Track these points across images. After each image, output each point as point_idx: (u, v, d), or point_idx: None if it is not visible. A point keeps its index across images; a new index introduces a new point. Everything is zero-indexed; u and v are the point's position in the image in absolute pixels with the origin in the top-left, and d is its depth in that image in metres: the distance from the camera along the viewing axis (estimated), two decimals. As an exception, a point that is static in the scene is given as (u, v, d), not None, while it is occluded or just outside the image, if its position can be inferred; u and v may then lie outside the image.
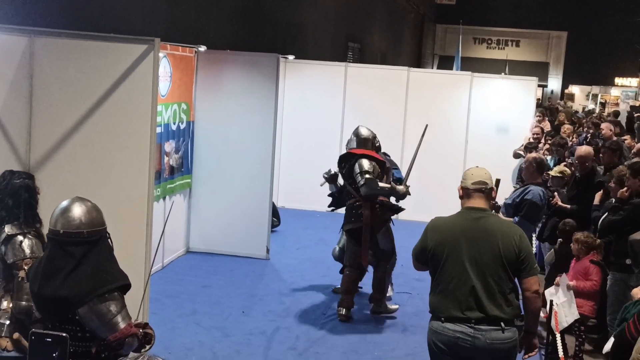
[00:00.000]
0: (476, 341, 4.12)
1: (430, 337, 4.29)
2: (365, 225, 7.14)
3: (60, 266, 3.49)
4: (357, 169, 7.10)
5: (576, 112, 23.63)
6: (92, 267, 3.51)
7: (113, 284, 3.54)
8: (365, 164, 7.11)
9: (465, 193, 4.37)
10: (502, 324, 4.13)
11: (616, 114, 16.45)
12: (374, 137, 7.45)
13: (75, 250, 3.51)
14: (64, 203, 3.62)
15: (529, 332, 4.34)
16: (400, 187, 7.35)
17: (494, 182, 4.50)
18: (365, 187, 7.02)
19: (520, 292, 4.29)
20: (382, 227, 7.30)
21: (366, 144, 7.33)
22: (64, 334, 2.05)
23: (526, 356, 4.42)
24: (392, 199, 7.51)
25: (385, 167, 7.36)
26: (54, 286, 3.46)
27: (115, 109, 5.44)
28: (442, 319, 4.21)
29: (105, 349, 3.54)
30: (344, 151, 7.75)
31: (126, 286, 3.64)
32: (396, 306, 7.51)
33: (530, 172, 6.91)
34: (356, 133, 7.40)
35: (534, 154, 7.46)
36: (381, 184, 7.14)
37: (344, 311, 7.22)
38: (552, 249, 7.24)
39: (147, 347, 3.73)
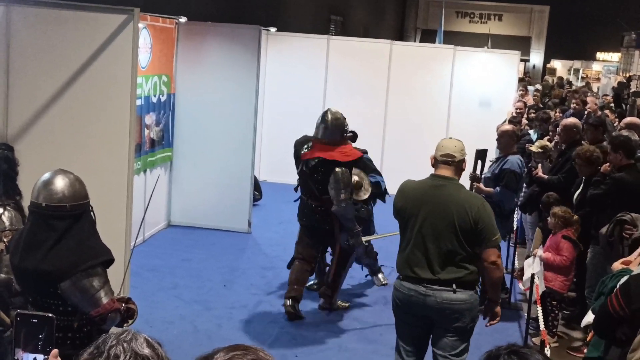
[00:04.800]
0: (427, 299, 4.37)
1: (393, 294, 4.60)
2: (340, 249, 6.59)
3: (42, 239, 3.45)
4: (336, 184, 6.26)
5: (555, 84, 23.67)
6: (75, 241, 3.47)
7: (96, 259, 3.50)
8: (344, 177, 6.30)
9: (435, 163, 4.60)
10: (454, 285, 4.34)
11: (585, 92, 16.58)
12: (345, 125, 6.47)
13: (57, 224, 3.46)
14: (46, 175, 3.54)
15: (491, 300, 4.61)
16: (357, 240, 6.58)
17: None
18: (338, 209, 6.31)
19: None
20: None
21: (334, 134, 6.38)
22: (50, 315, 1.99)
23: (488, 323, 4.66)
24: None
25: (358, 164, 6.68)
26: (35, 260, 3.42)
27: (94, 81, 5.35)
28: (401, 277, 4.52)
29: (87, 324, 3.52)
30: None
31: (109, 261, 3.60)
32: (347, 304, 6.97)
33: (509, 144, 7.08)
34: (324, 119, 6.41)
35: (506, 126, 7.56)
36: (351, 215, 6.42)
37: (289, 301, 6.50)
38: (538, 227, 7.29)
39: (130, 321, 3.71)
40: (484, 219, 4.34)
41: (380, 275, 7.62)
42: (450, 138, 4.73)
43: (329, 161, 6.29)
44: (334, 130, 6.36)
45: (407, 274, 4.45)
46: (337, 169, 6.24)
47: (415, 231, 4.42)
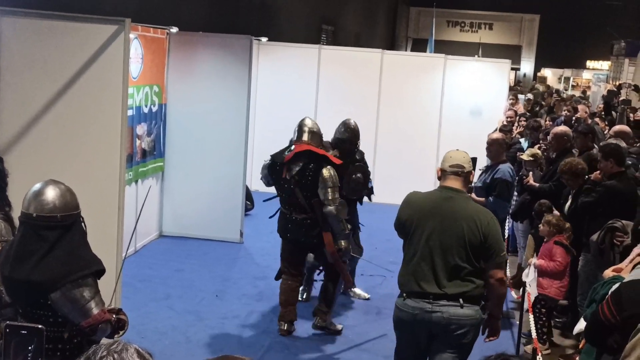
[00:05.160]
0: (434, 315, 4.25)
1: (395, 314, 4.46)
2: (333, 252, 6.29)
3: (32, 250, 3.43)
4: (326, 183, 6.14)
5: (545, 92, 23.77)
6: (65, 251, 3.45)
7: (87, 269, 3.48)
8: (333, 176, 6.19)
9: (443, 174, 4.49)
10: (461, 300, 4.24)
11: (577, 100, 16.59)
12: (321, 135, 6.53)
13: (48, 235, 3.44)
14: (37, 186, 3.52)
15: (492, 315, 4.50)
16: (347, 243, 6.41)
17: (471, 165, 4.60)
18: (330, 209, 6.15)
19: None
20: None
21: (314, 139, 6.39)
22: (40, 326, 1.98)
23: (487, 339, 4.57)
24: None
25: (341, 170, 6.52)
26: (26, 270, 3.40)
27: (85, 91, 5.34)
28: (404, 295, 4.37)
29: (77, 335, 3.50)
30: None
31: (100, 271, 3.58)
32: (340, 326, 6.63)
33: (499, 153, 7.08)
34: (301, 128, 6.39)
35: (496, 135, 7.58)
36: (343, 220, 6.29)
37: (285, 325, 6.41)
38: (530, 234, 7.29)
39: (121, 332, 3.69)
40: (493, 234, 4.27)
41: (357, 290, 7.52)
42: (457, 150, 4.62)
43: (317, 159, 6.21)
44: (313, 135, 6.37)
45: (413, 288, 4.30)
46: (324, 170, 6.16)
47: (422, 244, 4.30)
